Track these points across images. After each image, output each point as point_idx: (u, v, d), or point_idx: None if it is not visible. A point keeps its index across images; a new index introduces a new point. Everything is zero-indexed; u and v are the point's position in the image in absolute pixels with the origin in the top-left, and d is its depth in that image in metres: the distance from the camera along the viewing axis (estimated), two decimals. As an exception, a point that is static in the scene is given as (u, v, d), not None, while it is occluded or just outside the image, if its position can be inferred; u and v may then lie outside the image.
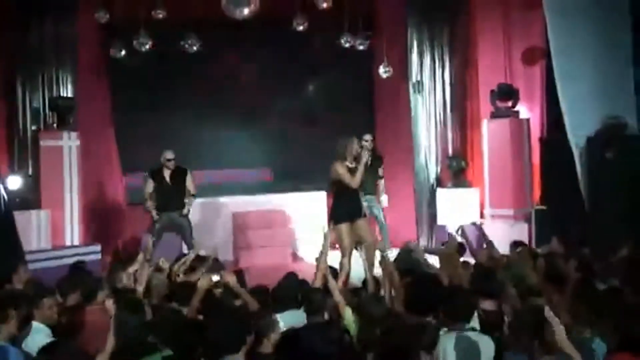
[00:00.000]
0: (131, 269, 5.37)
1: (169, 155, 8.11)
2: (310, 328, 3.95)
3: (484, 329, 3.95)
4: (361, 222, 6.89)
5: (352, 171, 6.75)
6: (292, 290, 4.70)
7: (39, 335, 4.06)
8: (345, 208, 6.83)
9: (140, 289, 4.93)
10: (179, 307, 4.52)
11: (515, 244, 6.08)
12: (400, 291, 4.56)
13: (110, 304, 4.34)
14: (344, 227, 6.80)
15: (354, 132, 11.14)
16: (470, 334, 3.75)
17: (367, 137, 8.19)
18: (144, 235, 9.32)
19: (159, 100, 10.49)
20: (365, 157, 6.73)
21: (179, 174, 8.10)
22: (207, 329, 3.63)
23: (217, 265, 5.86)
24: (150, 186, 8.02)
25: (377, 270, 5.31)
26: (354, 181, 6.71)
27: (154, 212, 7.88)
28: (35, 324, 4.18)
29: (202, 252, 6.15)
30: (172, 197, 8.02)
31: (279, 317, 4.03)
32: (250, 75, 10.98)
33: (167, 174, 8.07)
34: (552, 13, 8.44)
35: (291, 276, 5.18)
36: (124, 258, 7.30)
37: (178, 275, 5.65)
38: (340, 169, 6.72)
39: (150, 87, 10.40)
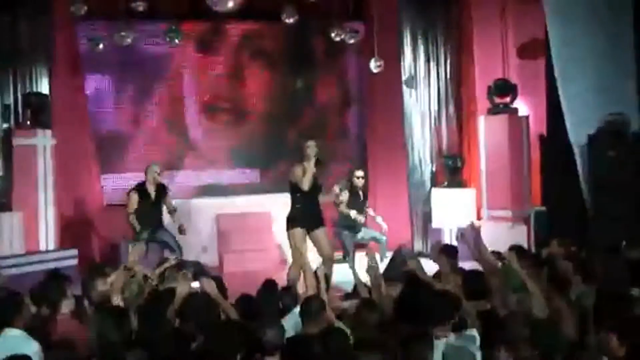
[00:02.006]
0: (110, 278, 5.34)
1: (158, 169, 8.07)
2: (311, 336, 3.96)
3: (484, 331, 3.99)
4: (319, 233, 6.95)
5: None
6: (273, 299, 4.70)
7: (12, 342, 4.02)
8: (300, 213, 6.89)
9: (116, 297, 4.89)
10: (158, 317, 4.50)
11: (513, 250, 6.06)
12: (387, 300, 4.57)
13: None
14: (297, 232, 6.85)
15: (345, 130, 11.40)
16: (458, 340, 3.79)
17: (359, 173, 8.46)
18: (122, 241, 9.31)
19: (138, 97, 10.43)
20: (312, 157, 6.75)
21: (161, 190, 8.07)
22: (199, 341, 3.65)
23: (199, 271, 5.85)
24: (135, 202, 7.88)
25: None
26: (303, 183, 6.75)
27: (138, 227, 7.75)
28: (13, 330, 4.13)
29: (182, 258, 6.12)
30: (155, 213, 8.01)
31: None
32: (235, 71, 10.93)
33: (151, 189, 7.99)
34: (551, 5, 8.48)
35: (270, 285, 5.21)
36: (100, 264, 7.25)
37: (156, 285, 5.62)
38: (297, 171, 6.79)
39: (129, 83, 10.35)
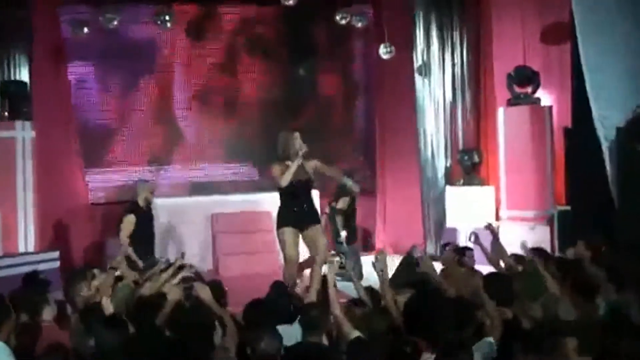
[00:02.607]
0: (96, 282, 5.31)
1: (150, 188, 7.99)
2: (312, 348, 3.93)
3: (503, 340, 3.97)
4: (311, 232, 6.93)
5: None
6: (283, 303, 4.67)
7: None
8: (289, 211, 6.91)
9: (105, 302, 4.84)
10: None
11: (535, 252, 6.03)
12: (394, 307, 4.56)
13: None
14: (287, 232, 6.87)
15: (351, 122, 11.37)
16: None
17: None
18: (108, 241, 9.30)
19: (125, 87, 10.41)
20: (300, 153, 6.78)
21: (150, 204, 7.96)
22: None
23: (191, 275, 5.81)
24: (131, 225, 7.54)
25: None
26: (282, 179, 6.77)
27: (138, 261, 7.28)
28: None
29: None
30: (150, 229, 7.89)
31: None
32: (230, 59, 10.90)
33: (144, 204, 7.85)
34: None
35: (280, 287, 5.16)
36: (84, 266, 7.22)
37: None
38: (276, 169, 6.82)
39: (115, 71, 10.32)
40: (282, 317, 4.51)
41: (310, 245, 6.98)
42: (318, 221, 7.09)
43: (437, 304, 4.22)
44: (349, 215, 8.81)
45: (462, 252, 6.42)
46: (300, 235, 6.98)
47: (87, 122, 10.23)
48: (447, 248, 6.82)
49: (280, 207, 7.04)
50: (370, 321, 4.21)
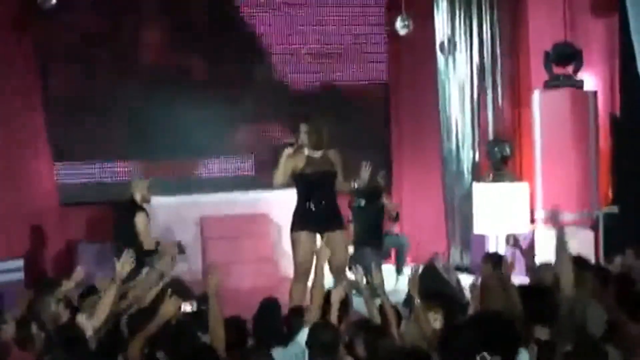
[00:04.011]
0: (63, 290, 5.34)
1: (147, 183, 8.07)
2: None
3: None
4: (331, 237, 6.92)
5: (310, 161, 6.92)
6: (274, 323, 4.72)
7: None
8: (305, 210, 6.95)
9: (84, 322, 4.87)
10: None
11: (575, 261, 6.03)
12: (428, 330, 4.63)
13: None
14: (302, 237, 6.91)
15: (362, 107, 11.36)
16: None
17: None
18: (80, 245, 9.34)
19: (102, 68, 10.43)
20: (304, 144, 6.92)
21: (148, 202, 8.07)
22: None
23: (177, 287, 5.85)
24: (147, 224, 7.73)
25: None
26: (275, 177, 6.93)
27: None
28: None
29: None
30: None
31: None
32: (223, 32, 10.92)
33: (141, 203, 7.94)
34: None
35: (270, 305, 5.21)
36: (52, 278, 7.28)
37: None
38: (283, 158, 6.91)
39: (91, 49, 10.35)
40: (274, 339, 4.57)
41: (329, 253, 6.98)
42: (340, 225, 7.09)
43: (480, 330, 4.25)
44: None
45: (500, 261, 6.36)
46: (320, 240, 6.98)
47: (57, 108, 10.21)
48: (484, 257, 6.74)
49: (296, 205, 7.07)
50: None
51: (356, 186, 7.32)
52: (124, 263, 5.19)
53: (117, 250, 7.40)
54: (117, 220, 8.20)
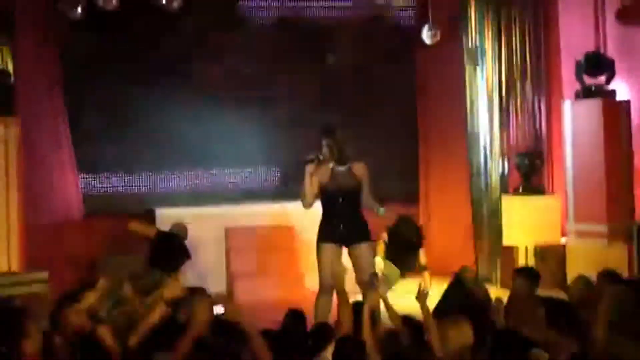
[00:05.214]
0: (87, 301, 5.36)
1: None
2: None
3: None
4: (357, 250, 6.93)
5: (333, 175, 6.90)
6: (299, 336, 4.70)
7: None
8: (328, 223, 6.96)
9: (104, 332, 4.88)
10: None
11: (607, 276, 5.94)
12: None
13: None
14: (327, 250, 6.90)
15: (386, 118, 11.34)
16: None
17: None
18: (103, 257, 9.40)
19: (127, 79, 10.49)
20: (327, 158, 6.89)
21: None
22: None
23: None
24: None
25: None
26: (303, 200, 6.98)
27: None
28: None
29: None
30: None
31: None
32: (247, 42, 10.95)
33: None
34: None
35: (296, 316, 5.19)
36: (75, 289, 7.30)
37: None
38: (307, 175, 6.91)
39: (115, 61, 10.42)
40: (298, 352, 4.55)
41: (355, 267, 6.97)
42: (365, 238, 7.04)
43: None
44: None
45: (537, 277, 6.28)
46: (347, 254, 6.99)
47: (82, 118, 10.29)
48: (515, 272, 6.65)
49: (321, 218, 7.10)
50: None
51: (380, 214, 7.25)
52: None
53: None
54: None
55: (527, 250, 9.58)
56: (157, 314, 4.79)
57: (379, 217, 7.23)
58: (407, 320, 5.09)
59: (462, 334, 4.78)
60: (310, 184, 6.89)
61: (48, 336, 5.08)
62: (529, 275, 6.16)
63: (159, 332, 4.79)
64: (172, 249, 8.59)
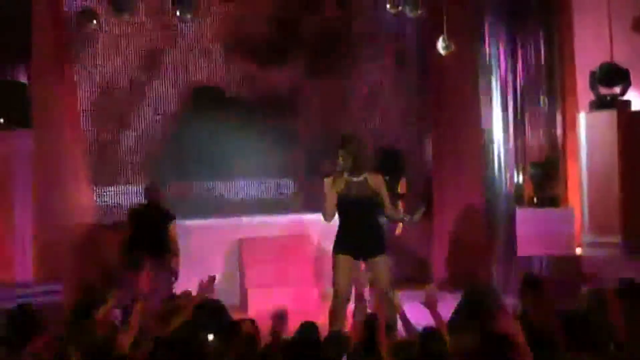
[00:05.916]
0: (102, 310, 5.40)
1: None
2: None
3: None
4: (372, 263, 6.97)
5: (349, 185, 6.89)
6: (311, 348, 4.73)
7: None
8: (345, 235, 6.98)
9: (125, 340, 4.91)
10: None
11: (624, 287, 5.92)
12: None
13: None
14: (341, 261, 6.91)
15: (401, 130, 11.37)
16: None
17: None
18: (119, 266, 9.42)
19: (141, 90, 10.56)
20: (343, 171, 6.90)
21: None
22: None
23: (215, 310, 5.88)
24: None
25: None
26: (324, 213, 6.96)
27: None
28: None
29: None
30: None
31: None
32: (262, 52, 11.01)
33: None
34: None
35: (308, 329, 5.21)
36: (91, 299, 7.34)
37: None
38: (326, 188, 6.91)
39: (129, 72, 10.49)
40: None
41: (372, 279, 7.02)
42: (381, 251, 7.08)
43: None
44: None
45: (540, 285, 6.28)
46: (363, 267, 7.05)
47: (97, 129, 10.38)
48: (523, 280, 6.68)
49: (337, 229, 7.12)
50: None
51: (414, 220, 7.36)
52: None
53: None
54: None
55: (541, 261, 9.56)
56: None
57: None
58: (422, 331, 5.10)
59: (474, 343, 4.79)
60: (329, 197, 6.91)
61: (63, 346, 5.13)
62: (530, 283, 6.19)
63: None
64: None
